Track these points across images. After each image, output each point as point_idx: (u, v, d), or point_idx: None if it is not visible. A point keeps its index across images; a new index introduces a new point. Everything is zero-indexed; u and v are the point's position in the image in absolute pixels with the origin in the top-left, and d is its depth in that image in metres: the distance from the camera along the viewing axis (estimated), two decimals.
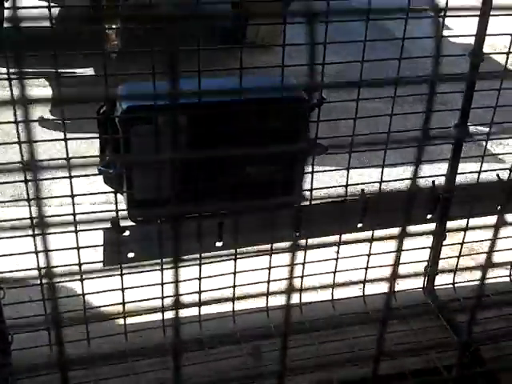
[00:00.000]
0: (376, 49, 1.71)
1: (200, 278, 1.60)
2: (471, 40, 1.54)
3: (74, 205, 1.32)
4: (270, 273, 1.75)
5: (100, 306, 1.77)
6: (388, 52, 1.48)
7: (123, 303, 1.58)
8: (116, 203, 1.36)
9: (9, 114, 1.18)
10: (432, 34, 0.50)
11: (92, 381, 1.58)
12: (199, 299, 1.61)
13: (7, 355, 1.49)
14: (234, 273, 1.64)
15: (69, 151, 1.30)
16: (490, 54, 1.63)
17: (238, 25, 4.42)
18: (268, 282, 1.76)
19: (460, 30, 1.64)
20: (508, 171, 1.91)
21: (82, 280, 1.45)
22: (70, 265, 1.48)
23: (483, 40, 1.43)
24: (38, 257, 1.35)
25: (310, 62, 0.42)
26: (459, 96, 1.71)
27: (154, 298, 1.62)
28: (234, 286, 1.68)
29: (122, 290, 1.53)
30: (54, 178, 1.49)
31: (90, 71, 4.53)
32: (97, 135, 1.36)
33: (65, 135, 1.23)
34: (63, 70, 4.39)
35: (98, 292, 1.56)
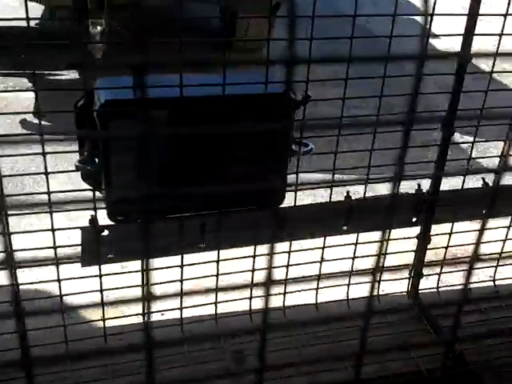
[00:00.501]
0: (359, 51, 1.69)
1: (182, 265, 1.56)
2: (454, 44, 1.53)
3: (49, 199, 1.28)
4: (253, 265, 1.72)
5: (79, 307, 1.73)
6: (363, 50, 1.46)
7: (102, 304, 1.54)
8: (94, 201, 1.33)
9: None
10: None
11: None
12: (181, 290, 1.58)
13: None
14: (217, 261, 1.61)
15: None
16: (476, 55, 1.62)
17: (227, 25, 4.41)
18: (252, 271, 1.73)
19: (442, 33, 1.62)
20: (493, 175, 1.90)
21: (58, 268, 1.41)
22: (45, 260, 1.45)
23: (471, 41, 1.42)
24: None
25: (289, 36, 0.40)
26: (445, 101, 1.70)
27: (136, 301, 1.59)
28: (218, 275, 1.64)
29: (101, 291, 1.50)
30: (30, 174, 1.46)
31: (74, 73, 4.49)
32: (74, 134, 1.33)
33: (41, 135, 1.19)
34: (47, 72, 4.34)
35: (76, 293, 1.52)
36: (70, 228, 1.38)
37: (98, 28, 4.08)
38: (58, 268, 1.39)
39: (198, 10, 4.37)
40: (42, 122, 1.42)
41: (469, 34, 1.41)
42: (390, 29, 1.46)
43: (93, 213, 1.39)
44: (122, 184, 1.35)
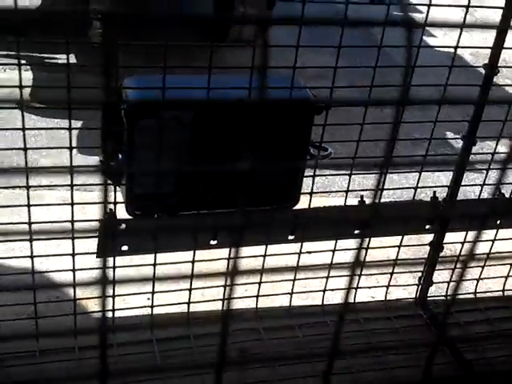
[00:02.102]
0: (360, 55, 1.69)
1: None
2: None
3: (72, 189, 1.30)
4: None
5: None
6: (370, 56, 1.46)
7: (113, 296, 1.55)
8: (114, 196, 1.34)
9: None
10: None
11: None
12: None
13: None
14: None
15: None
16: (505, 67, 1.62)
17: (221, 24, 4.39)
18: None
19: (443, 37, 1.61)
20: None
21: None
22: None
23: (499, 53, 1.42)
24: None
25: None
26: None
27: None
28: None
29: (114, 282, 1.50)
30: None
31: (71, 58, 4.47)
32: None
33: (70, 123, 1.20)
34: (45, 55, 4.32)
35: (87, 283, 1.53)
36: (88, 220, 1.39)
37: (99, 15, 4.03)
38: (73, 258, 1.41)
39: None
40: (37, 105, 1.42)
41: (498, 46, 1.41)
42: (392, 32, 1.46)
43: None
44: (144, 180, 1.36)
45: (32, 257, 1.46)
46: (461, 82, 1.43)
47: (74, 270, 1.48)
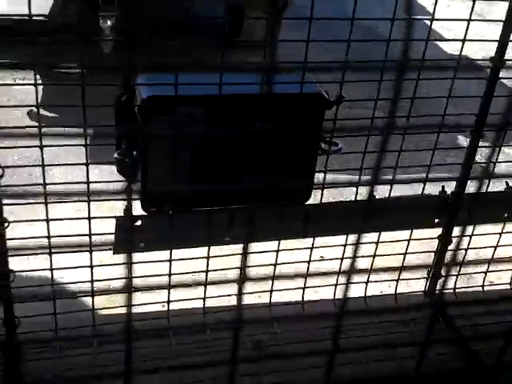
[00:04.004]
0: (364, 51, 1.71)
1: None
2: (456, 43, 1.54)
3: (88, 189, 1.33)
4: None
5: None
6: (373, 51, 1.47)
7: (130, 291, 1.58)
8: (130, 193, 1.36)
9: None
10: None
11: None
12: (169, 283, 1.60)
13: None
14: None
15: None
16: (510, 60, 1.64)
17: (233, 25, 4.43)
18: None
19: (448, 31, 1.63)
20: None
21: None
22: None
23: (506, 45, 1.44)
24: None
25: None
26: None
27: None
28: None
29: (130, 277, 1.53)
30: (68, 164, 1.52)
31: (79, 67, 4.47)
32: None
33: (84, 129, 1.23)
34: (54, 64, 4.35)
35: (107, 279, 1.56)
36: (104, 217, 1.42)
37: (108, 22, 4.02)
38: (91, 254, 1.44)
39: (204, 7, 4.36)
40: (50, 114, 1.45)
41: (505, 41, 1.43)
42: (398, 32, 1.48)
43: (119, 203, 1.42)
44: (158, 177, 1.39)
45: (52, 269, 1.49)
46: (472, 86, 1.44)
47: (92, 281, 1.52)
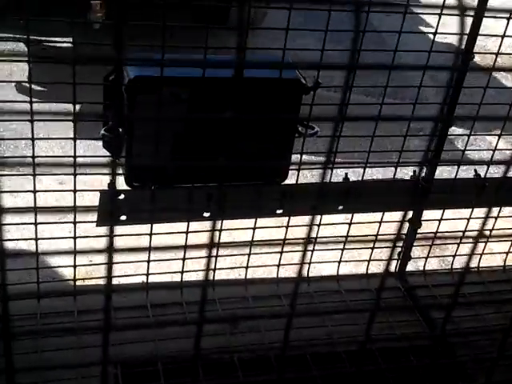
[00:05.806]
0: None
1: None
2: (452, 39, 1.61)
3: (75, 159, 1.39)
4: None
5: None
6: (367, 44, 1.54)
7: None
8: (114, 166, 1.42)
9: None
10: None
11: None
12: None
13: None
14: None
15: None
16: (480, 53, 1.72)
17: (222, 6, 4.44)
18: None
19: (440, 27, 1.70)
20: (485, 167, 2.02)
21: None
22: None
23: (475, 38, 1.51)
24: None
25: None
26: None
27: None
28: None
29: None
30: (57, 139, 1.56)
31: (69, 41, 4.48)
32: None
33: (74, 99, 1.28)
34: (43, 38, 4.34)
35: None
36: (88, 190, 1.48)
37: None
38: (75, 226, 1.50)
39: None
40: (38, 88, 1.50)
41: (474, 33, 1.51)
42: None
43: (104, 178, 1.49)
44: (142, 153, 1.45)
45: (37, 239, 1.55)
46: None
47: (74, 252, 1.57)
